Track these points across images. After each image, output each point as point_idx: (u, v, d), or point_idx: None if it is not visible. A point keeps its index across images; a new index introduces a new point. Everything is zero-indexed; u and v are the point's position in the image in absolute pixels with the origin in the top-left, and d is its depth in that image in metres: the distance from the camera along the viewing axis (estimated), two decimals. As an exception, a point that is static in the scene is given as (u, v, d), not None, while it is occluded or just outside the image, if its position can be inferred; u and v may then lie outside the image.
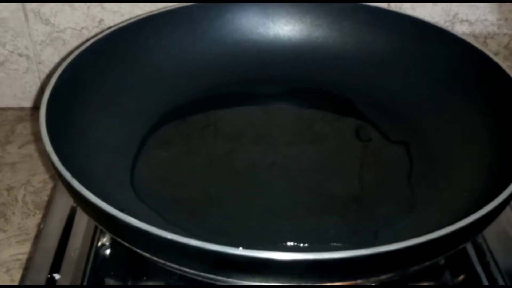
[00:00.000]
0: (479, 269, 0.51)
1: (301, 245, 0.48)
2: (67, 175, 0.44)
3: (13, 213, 0.60)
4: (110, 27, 0.64)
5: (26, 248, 0.57)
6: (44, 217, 0.58)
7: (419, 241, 0.39)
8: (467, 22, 0.70)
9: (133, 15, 0.67)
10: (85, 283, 0.49)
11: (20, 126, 0.72)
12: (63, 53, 0.71)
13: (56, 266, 0.50)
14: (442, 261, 0.52)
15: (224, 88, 0.65)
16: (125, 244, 0.44)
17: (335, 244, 0.48)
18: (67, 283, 0.49)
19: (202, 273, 0.41)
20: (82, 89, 0.56)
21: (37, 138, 0.70)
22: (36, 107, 0.75)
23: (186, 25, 0.65)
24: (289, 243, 0.49)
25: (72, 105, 0.54)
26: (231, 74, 0.66)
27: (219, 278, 0.41)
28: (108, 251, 0.52)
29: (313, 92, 0.66)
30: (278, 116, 0.64)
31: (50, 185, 0.63)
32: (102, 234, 0.52)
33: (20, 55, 0.71)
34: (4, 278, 0.54)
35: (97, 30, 0.70)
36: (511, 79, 0.54)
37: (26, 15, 0.68)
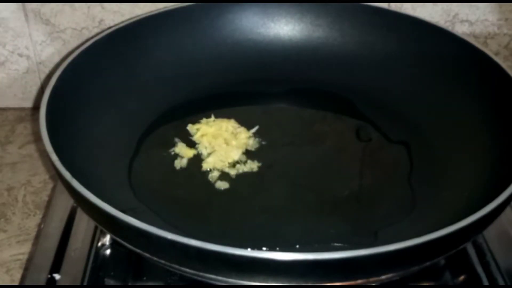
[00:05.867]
0: (479, 269, 0.51)
1: (301, 245, 0.48)
2: (67, 175, 0.44)
3: (13, 213, 0.60)
4: (110, 27, 0.64)
5: (26, 248, 0.57)
6: (44, 217, 0.58)
7: (419, 241, 0.39)
8: (468, 22, 0.70)
9: (133, 15, 0.67)
10: (85, 283, 0.49)
11: (20, 126, 0.72)
12: (63, 53, 0.71)
13: (56, 266, 0.50)
14: (442, 261, 0.52)
15: (224, 88, 0.65)
16: (125, 244, 0.44)
17: (335, 244, 0.48)
18: (67, 283, 0.49)
19: (202, 273, 0.41)
20: (82, 89, 0.56)
21: (37, 138, 0.70)
22: (36, 107, 0.75)
23: (186, 25, 0.65)
24: (289, 243, 0.49)
25: (72, 105, 0.54)
26: (231, 74, 0.66)
27: (219, 278, 0.41)
28: (108, 251, 0.52)
29: (313, 92, 0.66)
30: (278, 116, 0.64)
31: (50, 185, 0.63)
32: (102, 234, 0.52)
33: (20, 55, 0.71)
34: (4, 278, 0.54)
35: (97, 30, 0.70)
36: (511, 79, 0.54)
37: (26, 15, 0.68)
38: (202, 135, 0.59)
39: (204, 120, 0.61)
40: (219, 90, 0.65)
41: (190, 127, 0.60)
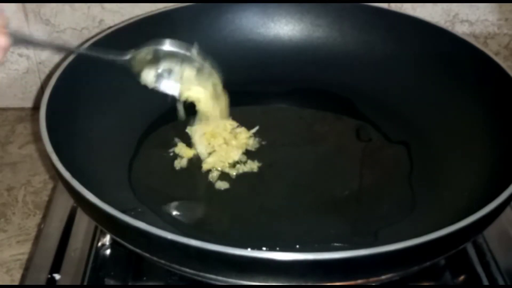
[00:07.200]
0: (479, 269, 0.51)
1: (301, 245, 0.48)
2: (67, 175, 0.44)
3: (13, 213, 0.60)
4: (110, 27, 0.64)
5: (26, 248, 0.57)
6: (44, 217, 0.58)
7: (419, 241, 0.39)
8: (468, 22, 0.70)
9: (133, 15, 0.67)
10: (85, 283, 0.49)
11: (20, 126, 0.72)
12: (63, 53, 0.71)
13: (56, 266, 0.50)
14: (442, 261, 0.52)
15: (224, 88, 0.65)
16: (125, 244, 0.44)
17: (335, 244, 0.48)
18: (67, 283, 0.49)
19: (202, 273, 0.41)
20: (82, 89, 0.56)
21: (37, 138, 0.70)
22: (36, 107, 0.75)
23: (186, 25, 0.65)
24: (289, 243, 0.49)
25: (72, 105, 0.54)
26: (231, 74, 0.66)
27: (219, 278, 0.41)
28: (108, 251, 0.52)
29: (313, 92, 0.66)
30: (278, 116, 0.64)
31: (50, 185, 0.63)
32: (102, 234, 0.53)
33: (20, 55, 0.71)
34: (5, 278, 0.54)
35: (97, 30, 0.70)
36: (511, 79, 0.54)
37: (26, 15, 0.68)
38: (200, 135, 0.59)
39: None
40: (219, 90, 0.65)
41: (189, 129, 0.60)
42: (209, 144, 0.58)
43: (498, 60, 0.57)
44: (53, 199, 0.57)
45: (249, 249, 0.38)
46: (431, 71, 0.62)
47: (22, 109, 0.75)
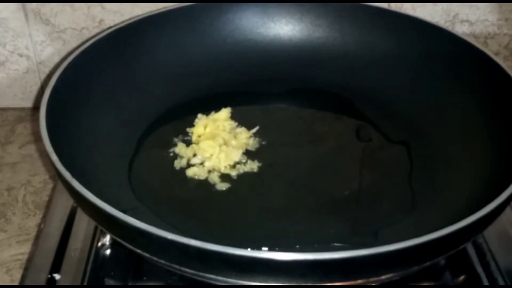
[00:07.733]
0: (479, 269, 0.51)
1: (301, 245, 0.48)
2: (67, 175, 0.44)
3: (13, 213, 0.60)
4: (110, 27, 0.64)
5: (26, 248, 0.57)
6: (44, 217, 0.58)
7: (420, 241, 0.39)
8: (468, 22, 0.70)
9: (133, 15, 0.67)
10: (85, 283, 0.49)
11: (20, 126, 0.72)
12: (63, 53, 0.71)
13: (56, 266, 0.50)
14: (442, 261, 0.52)
15: (224, 88, 0.65)
16: (125, 244, 0.44)
17: (335, 244, 0.48)
18: (67, 283, 0.49)
19: (202, 273, 0.41)
20: (82, 89, 0.56)
21: (37, 138, 0.70)
22: (36, 107, 0.75)
23: (186, 25, 0.65)
24: (289, 243, 0.49)
25: (72, 105, 0.54)
26: (231, 74, 0.66)
27: (219, 278, 0.41)
28: (108, 251, 0.52)
29: (313, 92, 0.66)
30: (278, 116, 0.64)
31: (50, 185, 0.63)
32: (102, 234, 0.53)
33: (20, 55, 0.71)
34: (4, 278, 0.54)
35: (97, 30, 0.70)
36: (511, 79, 0.54)
37: (26, 15, 0.68)
38: (200, 136, 0.59)
39: (199, 115, 0.61)
40: (219, 90, 0.65)
41: (189, 130, 0.60)
42: (209, 145, 0.58)
43: (498, 60, 0.57)
44: (53, 199, 0.57)
45: (249, 249, 0.38)
46: (431, 71, 0.62)
47: (22, 109, 0.75)
